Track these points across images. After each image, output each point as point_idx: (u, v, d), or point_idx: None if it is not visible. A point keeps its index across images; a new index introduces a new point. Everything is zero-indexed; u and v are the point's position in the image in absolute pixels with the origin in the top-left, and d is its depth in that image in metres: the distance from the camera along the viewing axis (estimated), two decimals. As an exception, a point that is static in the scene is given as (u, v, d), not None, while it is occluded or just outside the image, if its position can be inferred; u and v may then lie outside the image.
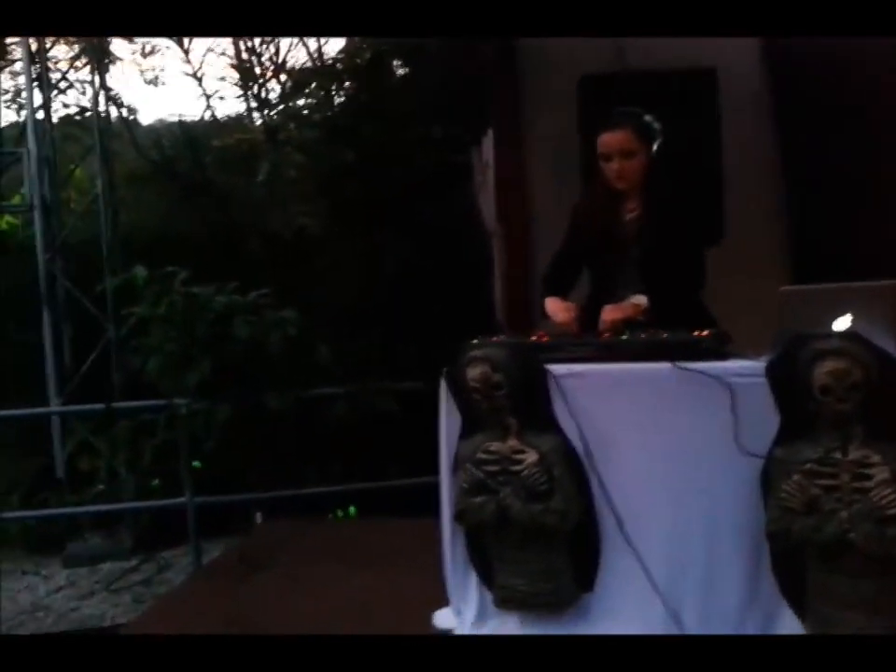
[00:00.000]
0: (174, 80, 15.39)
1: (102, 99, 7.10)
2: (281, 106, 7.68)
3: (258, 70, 8.25)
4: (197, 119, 8.90)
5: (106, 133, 7.08)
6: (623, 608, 2.51)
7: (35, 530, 5.94)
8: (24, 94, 7.08)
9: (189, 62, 9.07)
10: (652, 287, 2.87)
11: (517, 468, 2.58)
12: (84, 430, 6.23)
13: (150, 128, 9.27)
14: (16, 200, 7.31)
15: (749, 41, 4.29)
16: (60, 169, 7.17)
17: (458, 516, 2.70)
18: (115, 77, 9.79)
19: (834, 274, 2.49)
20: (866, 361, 2.15)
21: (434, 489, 2.84)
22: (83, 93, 8.18)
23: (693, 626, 2.41)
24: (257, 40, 7.87)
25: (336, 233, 6.45)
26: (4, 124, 11.75)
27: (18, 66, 8.75)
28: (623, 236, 3.01)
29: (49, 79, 7.14)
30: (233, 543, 4.65)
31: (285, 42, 7.95)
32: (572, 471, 2.57)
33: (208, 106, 9.04)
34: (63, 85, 8.46)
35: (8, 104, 11.43)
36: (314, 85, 6.97)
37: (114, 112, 7.95)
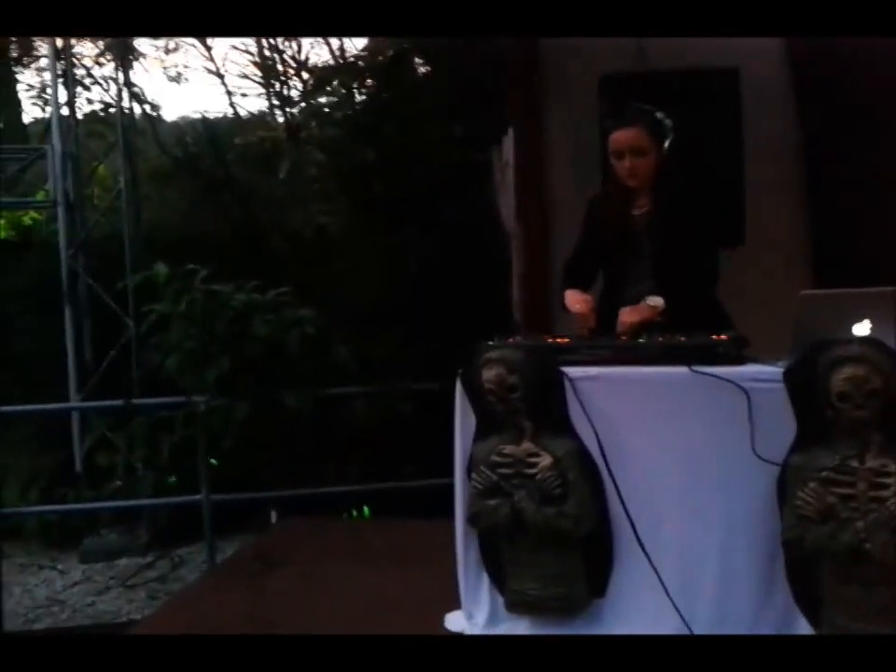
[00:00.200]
0: (197, 77, 15.46)
1: (126, 96, 7.13)
2: (303, 104, 7.68)
3: (280, 67, 8.26)
4: (220, 116, 8.94)
5: (130, 130, 7.10)
6: (634, 614, 2.49)
7: (53, 525, 5.98)
8: (50, 91, 7.11)
9: (211, 59, 9.11)
10: (663, 281, 2.88)
11: (531, 471, 2.57)
12: (103, 426, 6.26)
13: (173, 125, 9.32)
14: (40, 196, 7.36)
15: (772, 41, 4.24)
16: (83, 166, 7.21)
17: (472, 519, 2.69)
18: (139, 74, 9.86)
19: (856, 278, 2.46)
20: (885, 368, 2.12)
21: (449, 491, 2.82)
22: (107, 90, 8.26)
23: (704, 634, 2.38)
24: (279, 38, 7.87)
25: (356, 232, 6.46)
26: (29, 121, 11.87)
27: (44, 63, 8.84)
28: (633, 231, 3.02)
29: (74, 76, 7.18)
30: (248, 541, 4.66)
31: (307, 40, 7.96)
32: (587, 475, 2.55)
33: (231, 104, 9.08)
34: (87, 82, 8.55)
35: (34, 100, 11.55)
36: (335, 83, 6.97)
37: (137, 109, 8.01)
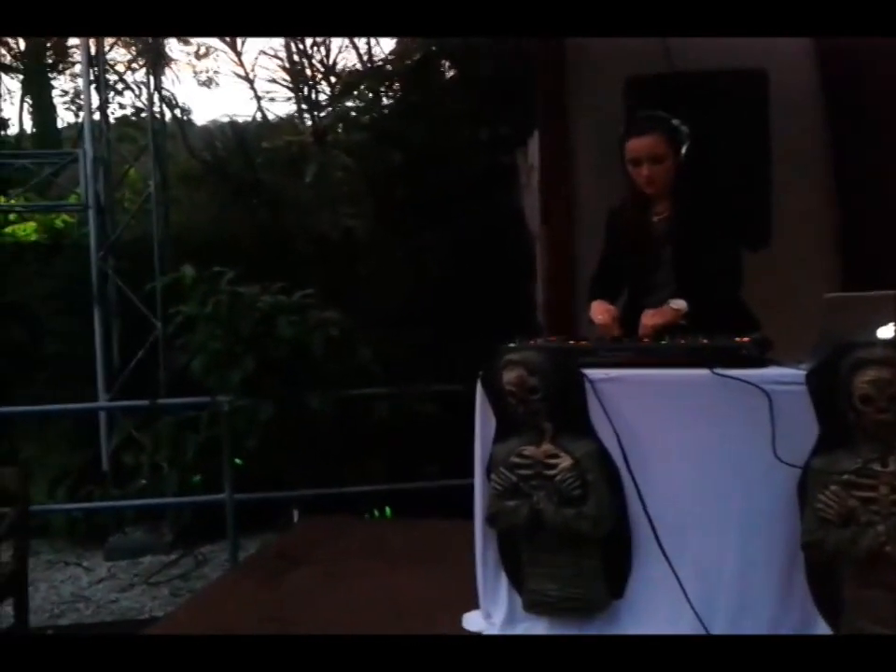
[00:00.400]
0: (226, 82, 15.61)
1: (156, 100, 7.22)
2: (330, 108, 7.73)
3: (308, 72, 8.31)
4: (248, 120, 9.02)
5: (160, 134, 7.18)
6: (652, 615, 2.47)
7: (79, 522, 6.04)
8: (83, 96, 7.21)
9: (241, 63, 9.22)
10: (685, 286, 2.87)
11: (551, 472, 2.56)
12: (129, 426, 6.33)
13: (203, 129, 9.42)
14: (72, 199, 7.47)
15: (800, 42, 4.20)
16: (115, 169, 7.29)
17: (491, 519, 2.69)
18: (170, 79, 9.97)
19: (884, 281, 2.43)
20: (909, 371, 2.09)
21: (471, 491, 2.82)
22: (139, 95, 8.37)
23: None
24: (308, 42, 7.93)
25: (382, 235, 6.48)
26: (63, 125, 12.05)
27: (77, 69, 8.97)
28: (653, 238, 3.01)
29: (106, 81, 7.27)
30: (270, 540, 4.68)
31: (335, 44, 8.02)
32: (606, 477, 2.54)
33: (259, 108, 9.16)
34: (119, 87, 8.67)
35: (68, 105, 11.73)
36: (362, 87, 7.01)
37: (168, 113, 8.09)
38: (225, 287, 4.87)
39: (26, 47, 11.36)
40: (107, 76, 7.46)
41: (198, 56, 10.40)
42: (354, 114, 7.14)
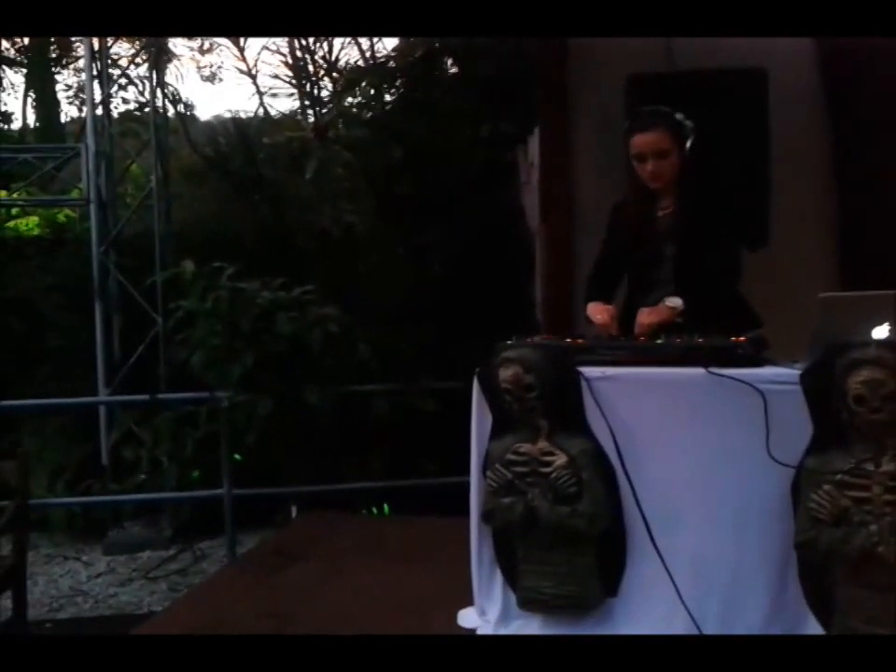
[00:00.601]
0: (229, 77, 15.63)
1: (159, 95, 7.22)
2: (332, 105, 7.73)
3: (311, 68, 8.32)
4: (251, 115, 9.03)
5: (162, 129, 7.19)
6: (646, 614, 2.48)
7: (78, 517, 6.06)
8: (86, 91, 7.21)
9: (244, 59, 9.23)
10: (684, 283, 2.87)
11: (546, 469, 2.57)
12: (129, 420, 6.34)
13: (205, 124, 9.43)
14: (74, 194, 7.48)
15: (801, 42, 4.20)
16: (117, 164, 7.30)
17: (486, 516, 2.69)
18: (172, 74, 9.98)
19: (882, 281, 2.43)
20: (903, 371, 2.09)
21: (468, 489, 2.82)
22: (142, 90, 8.38)
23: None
24: (310, 38, 7.93)
25: (382, 231, 6.48)
26: (66, 120, 12.07)
27: (81, 63, 8.97)
28: (656, 234, 3.02)
29: (109, 76, 7.27)
30: (268, 536, 4.69)
31: (338, 40, 8.02)
32: (601, 475, 2.55)
33: (262, 104, 9.17)
34: (123, 82, 8.68)
35: (71, 100, 11.75)
36: (364, 83, 7.01)
37: (171, 108, 8.10)
38: (225, 283, 4.87)
39: (30, 41, 11.37)
40: (111, 70, 7.46)
41: (201, 51, 10.41)
42: (355, 110, 7.14)
